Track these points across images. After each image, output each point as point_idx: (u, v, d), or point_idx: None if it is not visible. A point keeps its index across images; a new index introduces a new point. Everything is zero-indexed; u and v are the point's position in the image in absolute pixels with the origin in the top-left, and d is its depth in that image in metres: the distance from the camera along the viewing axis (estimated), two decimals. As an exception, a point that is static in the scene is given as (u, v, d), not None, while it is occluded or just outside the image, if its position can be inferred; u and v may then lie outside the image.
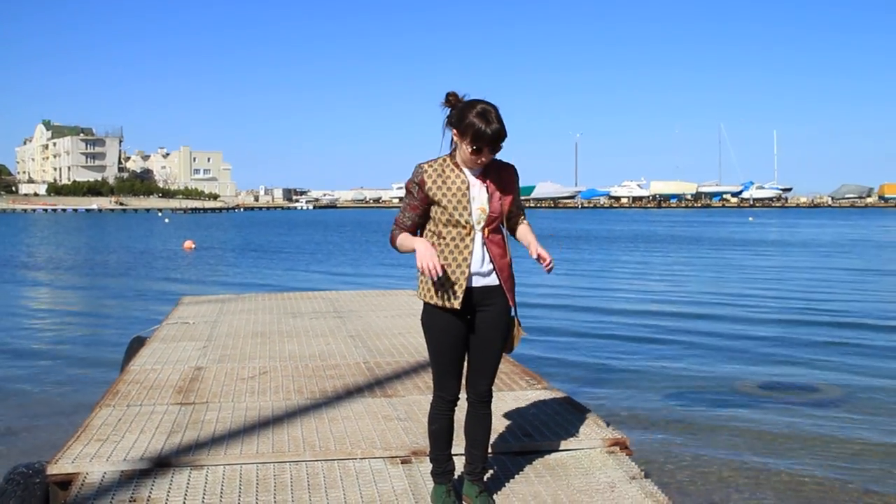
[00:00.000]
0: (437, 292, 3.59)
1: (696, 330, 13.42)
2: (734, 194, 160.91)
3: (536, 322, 14.23)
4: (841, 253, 33.86)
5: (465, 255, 3.56)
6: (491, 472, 4.21)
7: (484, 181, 3.61)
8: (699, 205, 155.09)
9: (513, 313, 3.77)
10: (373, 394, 5.78)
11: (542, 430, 4.82)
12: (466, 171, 3.61)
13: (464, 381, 3.81)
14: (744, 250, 36.33)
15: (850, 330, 13.30)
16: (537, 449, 4.55)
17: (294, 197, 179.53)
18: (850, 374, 9.88)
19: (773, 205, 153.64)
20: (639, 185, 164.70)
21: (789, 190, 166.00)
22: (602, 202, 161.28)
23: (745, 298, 17.97)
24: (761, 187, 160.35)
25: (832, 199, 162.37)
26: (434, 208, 3.61)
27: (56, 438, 6.91)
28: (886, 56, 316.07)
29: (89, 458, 4.33)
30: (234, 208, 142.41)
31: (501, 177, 3.65)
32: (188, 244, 39.53)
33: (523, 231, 3.84)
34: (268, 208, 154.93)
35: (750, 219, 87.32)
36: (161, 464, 4.32)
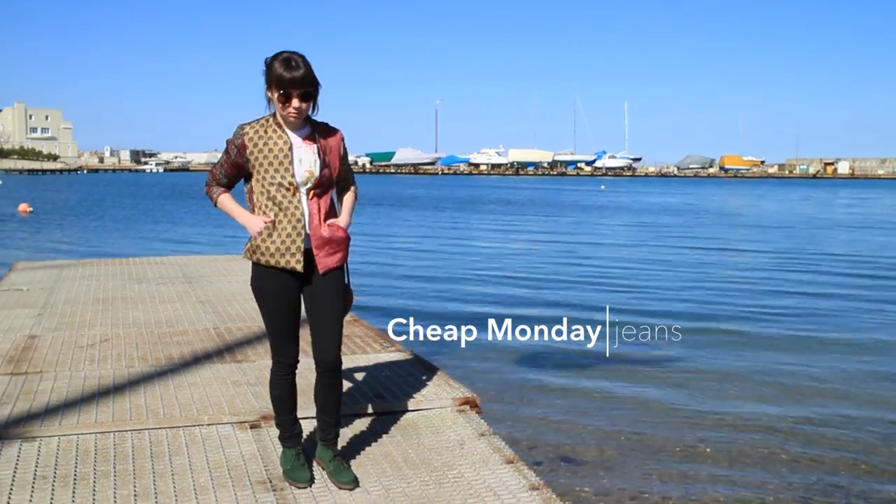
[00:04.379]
0: (274, 254, 3.51)
1: (545, 296, 13.87)
2: (588, 163, 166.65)
3: (390, 285, 14.30)
4: (685, 225, 35.93)
5: (297, 216, 3.50)
6: (343, 433, 4.21)
7: (312, 144, 3.54)
8: (555, 173, 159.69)
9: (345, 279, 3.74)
10: (222, 359, 5.63)
11: (395, 391, 4.85)
12: (290, 132, 3.52)
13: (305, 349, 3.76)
14: (598, 217, 37.88)
15: (695, 302, 14.15)
16: (389, 410, 4.58)
17: (143, 159, 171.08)
18: (688, 335, 10.49)
19: (624, 174, 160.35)
20: (497, 153, 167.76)
21: (639, 160, 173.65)
22: (462, 169, 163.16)
23: (597, 266, 18.75)
24: (613, 157, 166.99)
25: (678, 168, 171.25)
26: (256, 171, 3.52)
27: None
28: (730, 33, 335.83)
29: None
30: (76, 170, 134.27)
31: (329, 140, 3.60)
32: (23, 207, 36.97)
33: (346, 198, 3.80)
34: (114, 171, 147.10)
35: (602, 187, 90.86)
36: (-12, 437, 4.05)
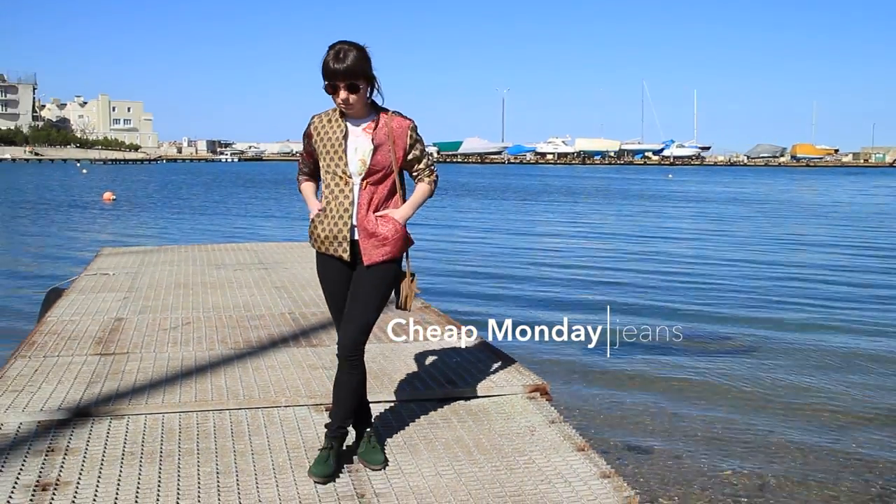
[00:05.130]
0: (324, 241, 3.59)
1: (613, 281, 13.76)
2: (655, 152, 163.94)
3: (459, 271, 14.37)
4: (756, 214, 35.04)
5: (345, 206, 3.53)
6: (415, 416, 4.29)
7: (371, 132, 3.52)
8: (622, 162, 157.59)
9: (405, 269, 3.72)
10: (298, 343, 5.77)
11: (465, 377, 4.91)
12: (350, 121, 3.54)
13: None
14: (665, 205, 37.25)
15: (766, 289, 13.84)
16: (460, 395, 4.63)
17: (218, 149, 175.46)
18: (759, 326, 10.30)
19: (692, 163, 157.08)
20: (564, 142, 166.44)
21: (708, 148, 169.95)
22: (528, 158, 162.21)
23: (662, 254, 18.47)
24: (681, 146, 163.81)
25: (748, 157, 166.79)
26: (319, 159, 3.62)
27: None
28: (801, 20, 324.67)
29: (4, 408, 4.24)
30: (156, 160, 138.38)
31: (393, 130, 3.54)
32: (108, 195, 38.32)
33: (416, 189, 3.73)
34: (191, 160, 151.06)
35: (669, 176, 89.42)
36: (80, 414, 4.25)
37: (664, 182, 71.49)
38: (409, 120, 3.62)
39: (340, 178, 3.53)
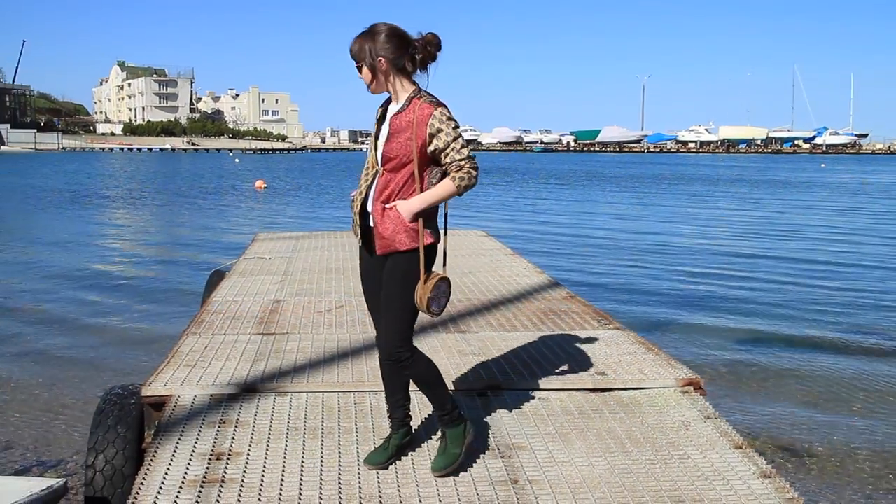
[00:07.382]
0: (353, 227, 3.56)
1: (769, 277, 13.19)
2: (806, 140, 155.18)
3: (602, 263, 14.17)
4: None
5: (361, 191, 3.48)
6: (566, 407, 4.28)
7: (395, 118, 3.36)
8: (769, 150, 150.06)
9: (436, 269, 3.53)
10: (447, 329, 5.87)
11: (616, 368, 4.85)
12: (392, 106, 3.43)
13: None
14: (824, 198, 35.31)
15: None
16: (611, 386, 4.58)
17: (360, 139, 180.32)
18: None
19: (847, 151, 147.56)
20: (707, 130, 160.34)
21: (865, 136, 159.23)
22: (669, 147, 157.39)
23: (814, 250, 17.55)
24: (835, 133, 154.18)
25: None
26: None
27: (144, 365, 7.26)
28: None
29: (180, 381, 4.54)
30: (301, 149, 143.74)
31: (416, 116, 3.28)
32: (259, 183, 40.15)
33: (439, 183, 3.34)
34: (334, 150, 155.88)
35: (822, 165, 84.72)
36: (247, 389, 4.50)
37: (817, 171, 67.72)
38: (433, 106, 3.29)
39: (370, 163, 3.49)
